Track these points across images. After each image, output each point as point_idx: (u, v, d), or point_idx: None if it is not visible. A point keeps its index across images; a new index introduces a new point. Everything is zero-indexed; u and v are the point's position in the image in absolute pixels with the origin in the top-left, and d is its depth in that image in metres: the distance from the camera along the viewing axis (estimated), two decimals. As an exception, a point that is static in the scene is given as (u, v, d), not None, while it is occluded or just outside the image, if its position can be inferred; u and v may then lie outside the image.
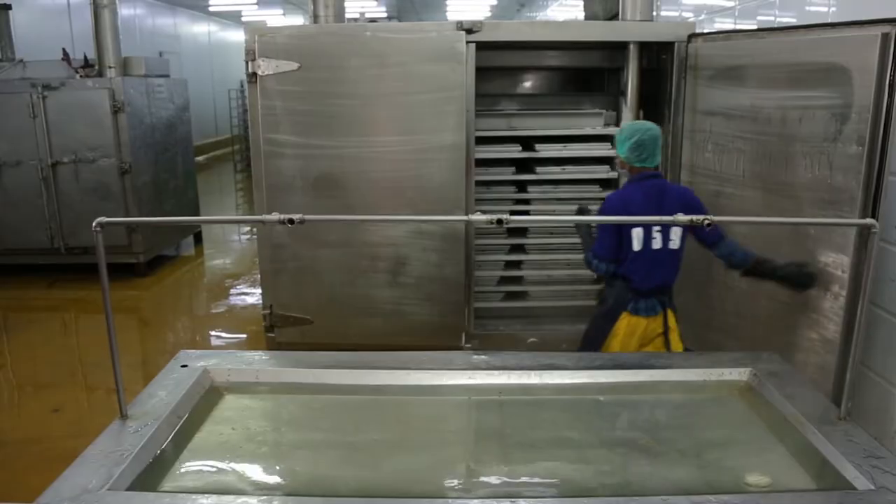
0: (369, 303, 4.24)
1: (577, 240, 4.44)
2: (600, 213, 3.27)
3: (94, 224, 1.89)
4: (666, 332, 3.22)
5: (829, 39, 3.02)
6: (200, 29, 17.29)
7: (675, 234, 3.11)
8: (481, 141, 4.27)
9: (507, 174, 4.45)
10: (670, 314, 3.24)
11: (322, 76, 3.99)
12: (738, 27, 4.39)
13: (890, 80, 2.75)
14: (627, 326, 3.19)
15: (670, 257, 3.15)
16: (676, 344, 3.24)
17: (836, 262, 3.03)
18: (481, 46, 3.98)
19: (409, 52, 3.96)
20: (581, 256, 4.47)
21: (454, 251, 4.15)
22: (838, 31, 2.99)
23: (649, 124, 3.23)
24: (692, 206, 3.00)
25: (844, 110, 2.94)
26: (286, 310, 4.32)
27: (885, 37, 2.74)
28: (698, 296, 4.03)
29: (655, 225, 3.08)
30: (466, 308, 4.29)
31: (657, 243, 3.10)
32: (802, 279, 3.09)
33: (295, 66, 3.95)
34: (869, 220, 2.00)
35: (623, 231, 3.09)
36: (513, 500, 1.75)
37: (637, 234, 3.09)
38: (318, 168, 4.10)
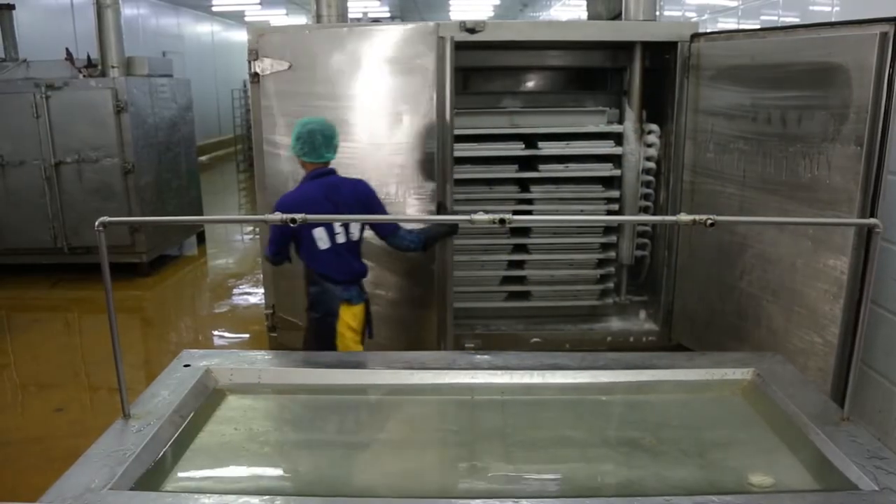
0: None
1: (581, 239, 4.48)
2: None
3: (96, 224, 1.89)
4: (368, 317, 3.43)
5: (827, 39, 3.02)
6: (204, 29, 17.31)
7: (355, 227, 3.29)
8: (483, 139, 4.27)
9: (510, 172, 4.45)
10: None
11: (307, 76, 3.91)
12: (742, 27, 4.39)
13: (888, 80, 2.75)
14: (353, 317, 3.33)
15: (356, 247, 3.34)
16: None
17: (835, 263, 3.03)
18: (478, 46, 3.90)
19: (381, 52, 3.80)
20: (583, 257, 4.51)
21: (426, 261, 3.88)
22: (837, 31, 2.98)
23: (311, 119, 3.33)
24: (365, 197, 3.30)
25: (843, 110, 2.94)
26: (287, 311, 4.31)
27: (884, 36, 2.73)
28: (699, 297, 4.03)
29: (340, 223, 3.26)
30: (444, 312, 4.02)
31: (342, 238, 3.24)
32: (456, 224, 3.57)
33: (286, 65, 3.92)
34: (872, 220, 2.00)
35: (302, 232, 3.18)
36: (515, 499, 1.75)
37: (319, 234, 3.20)
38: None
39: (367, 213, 3.30)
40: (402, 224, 3.43)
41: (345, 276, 3.30)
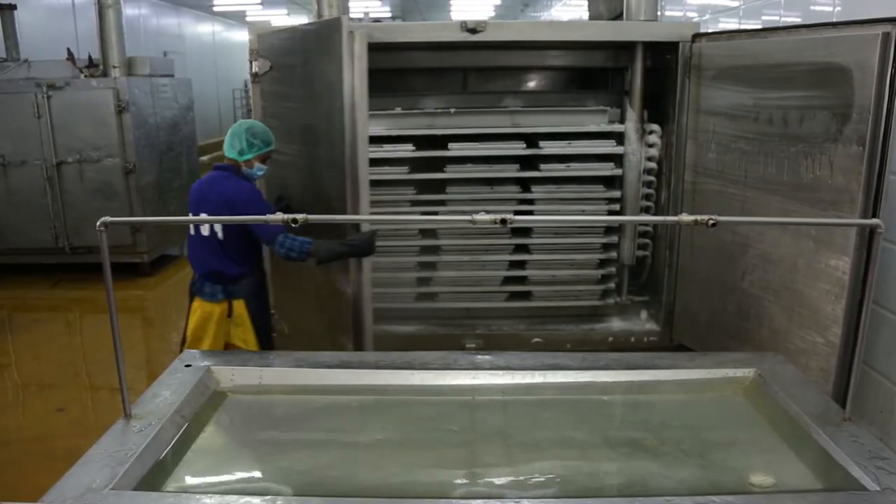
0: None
1: (583, 239, 4.47)
2: None
3: (98, 223, 1.90)
4: (264, 331, 3.41)
5: (829, 39, 3.01)
6: (205, 29, 17.32)
7: (218, 226, 3.25)
8: (484, 138, 4.26)
9: (512, 171, 4.45)
10: (237, 305, 3.33)
11: (278, 76, 3.89)
12: (743, 27, 4.39)
13: (890, 80, 2.74)
14: (202, 311, 3.30)
15: (220, 246, 3.27)
16: (242, 337, 3.35)
17: (837, 263, 3.02)
18: (479, 46, 3.85)
19: (309, 51, 3.64)
20: (584, 257, 4.51)
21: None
22: (839, 31, 2.98)
23: (245, 120, 3.48)
24: (231, 202, 3.17)
25: (845, 110, 2.93)
26: (287, 312, 4.30)
27: (886, 36, 2.73)
28: (701, 297, 4.02)
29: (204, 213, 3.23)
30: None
31: (204, 231, 3.26)
32: (366, 245, 3.24)
33: (269, 65, 3.92)
34: (874, 221, 2.00)
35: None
36: (516, 500, 1.76)
37: None
38: (276, 175, 3.85)
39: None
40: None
41: (198, 268, 3.36)
